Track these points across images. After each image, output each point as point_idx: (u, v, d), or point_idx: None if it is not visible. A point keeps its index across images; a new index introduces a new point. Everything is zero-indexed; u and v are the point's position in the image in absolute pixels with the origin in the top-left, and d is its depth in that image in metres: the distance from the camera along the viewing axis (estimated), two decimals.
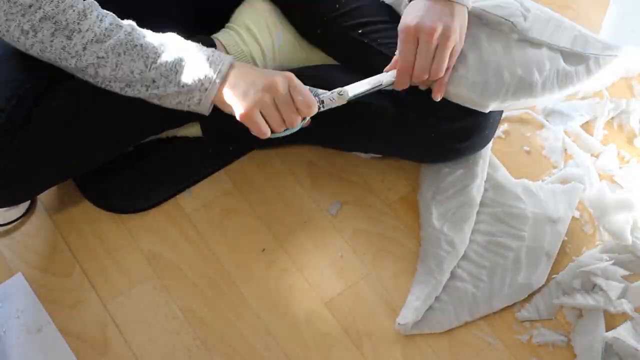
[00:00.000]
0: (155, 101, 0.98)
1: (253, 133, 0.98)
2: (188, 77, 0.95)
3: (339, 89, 1.00)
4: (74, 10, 0.92)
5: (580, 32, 1.08)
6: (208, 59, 0.96)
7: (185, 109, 0.98)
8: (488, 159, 1.16)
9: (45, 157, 1.03)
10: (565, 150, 1.22)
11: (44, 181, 1.09)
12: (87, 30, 0.92)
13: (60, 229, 1.16)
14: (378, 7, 1.12)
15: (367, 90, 1.01)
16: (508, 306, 1.07)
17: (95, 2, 0.95)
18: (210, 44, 1.11)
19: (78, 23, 0.92)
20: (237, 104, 0.95)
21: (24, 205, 1.16)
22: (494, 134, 1.14)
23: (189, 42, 0.98)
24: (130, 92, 0.97)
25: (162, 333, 1.07)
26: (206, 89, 0.95)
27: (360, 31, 1.10)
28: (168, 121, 1.14)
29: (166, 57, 0.95)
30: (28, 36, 0.92)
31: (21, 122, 1.00)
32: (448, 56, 0.99)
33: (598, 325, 1.04)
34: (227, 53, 1.12)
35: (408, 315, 1.05)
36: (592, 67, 1.07)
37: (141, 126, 1.11)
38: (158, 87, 0.96)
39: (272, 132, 0.98)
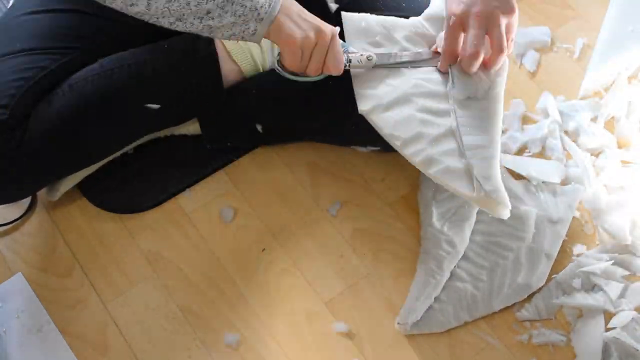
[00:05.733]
0: (206, 34, 0.96)
1: (286, 63, 1.00)
2: (244, 6, 0.93)
3: (369, 53, 1.05)
4: None
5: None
6: None
7: (239, 39, 0.97)
8: None
9: (45, 155, 1.03)
10: (565, 150, 1.22)
11: (42, 178, 1.09)
12: None
13: (60, 229, 1.16)
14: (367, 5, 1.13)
15: (397, 64, 1.06)
16: (508, 306, 1.07)
17: None
18: (208, 41, 1.11)
19: None
20: (288, 32, 0.96)
21: (24, 205, 1.16)
22: None
23: None
24: (180, 27, 0.94)
25: (162, 333, 1.07)
26: (262, 19, 0.94)
27: None
28: (167, 119, 1.14)
29: None
30: None
31: (23, 119, 1.01)
32: (504, 32, 1.01)
33: (598, 325, 1.04)
34: (228, 52, 1.12)
35: (407, 315, 1.05)
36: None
37: (140, 124, 1.11)
38: (213, 18, 0.93)
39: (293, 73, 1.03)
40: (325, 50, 0.99)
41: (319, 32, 0.97)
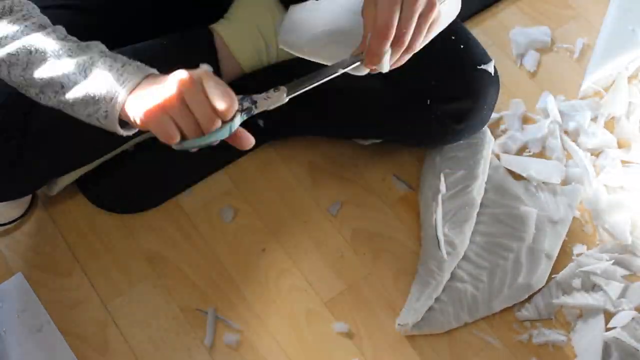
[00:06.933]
0: (69, 111, 0.85)
1: (160, 139, 0.79)
2: (95, 84, 0.81)
3: (276, 87, 0.82)
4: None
5: None
6: (122, 68, 0.82)
7: (97, 124, 0.84)
8: (489, 159, 1.16)
9: (46, 152, 1.03)
10: (565, 150, 1.22)
11: (44, 176, 1.09)
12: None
13: (60, 229, 1.16)
14: None
15: (318, 81, 0.83)
16: (508, 306, 1.08)
17: (31, 3, 0.87)
18: (207, 37, 1.10)
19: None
20: (140, 107, 0.78)
21: (25, 205, 1.16)
22: (490, 115, 1.13)
23: (112, 53, 0.85)
24: (43, 100, 0.85)
25: (162, 333, 1.07)
26: (112, 99, 0.80)
27: None
28: None
29: (78, 59, 0.83)
30: None
31: (22, 117, 1.00)
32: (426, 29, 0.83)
33: (598, 325, 1.04)
34: (228, 48, 1.12)
35: (408, 315, 1.05)
36: None
37: None
38: (65, 93, 0.82)
39: (185, 138, 0.78)
40: (203, 96, 0.76)
41: (181, 82, 0.76)
